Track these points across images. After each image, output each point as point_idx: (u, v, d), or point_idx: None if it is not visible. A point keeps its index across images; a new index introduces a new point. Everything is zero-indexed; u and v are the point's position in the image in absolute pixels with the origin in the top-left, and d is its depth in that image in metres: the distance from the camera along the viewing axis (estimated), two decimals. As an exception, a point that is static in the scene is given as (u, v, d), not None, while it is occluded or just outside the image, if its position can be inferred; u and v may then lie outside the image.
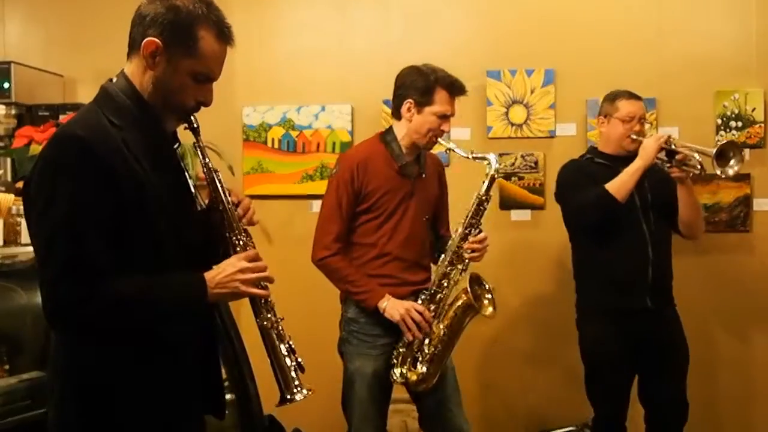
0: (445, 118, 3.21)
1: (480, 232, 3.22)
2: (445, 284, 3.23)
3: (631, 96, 3.62)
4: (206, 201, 2.24)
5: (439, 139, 3.24)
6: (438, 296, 3.22)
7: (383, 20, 4.57)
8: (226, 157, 4.34)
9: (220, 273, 2.01)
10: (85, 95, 4.66)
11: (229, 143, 4.49)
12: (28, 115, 4.42)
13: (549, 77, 4.40)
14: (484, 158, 3.26)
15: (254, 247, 2.15)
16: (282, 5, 4.67)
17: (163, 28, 1.94)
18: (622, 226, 3.48)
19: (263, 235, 4.58)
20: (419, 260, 3.33)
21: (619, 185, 3.41)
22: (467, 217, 3.22)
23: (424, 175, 3.35)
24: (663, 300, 3.58)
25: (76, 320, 1.87)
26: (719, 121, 4.29)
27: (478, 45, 4.46)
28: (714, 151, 3.32)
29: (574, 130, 4.41)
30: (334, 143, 4.56)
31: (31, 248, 3.22)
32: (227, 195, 2.15)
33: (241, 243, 2.13)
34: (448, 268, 3.22)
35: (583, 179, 3.58)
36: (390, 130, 3.34)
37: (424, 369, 3.19)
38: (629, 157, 3.51)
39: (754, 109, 4.27)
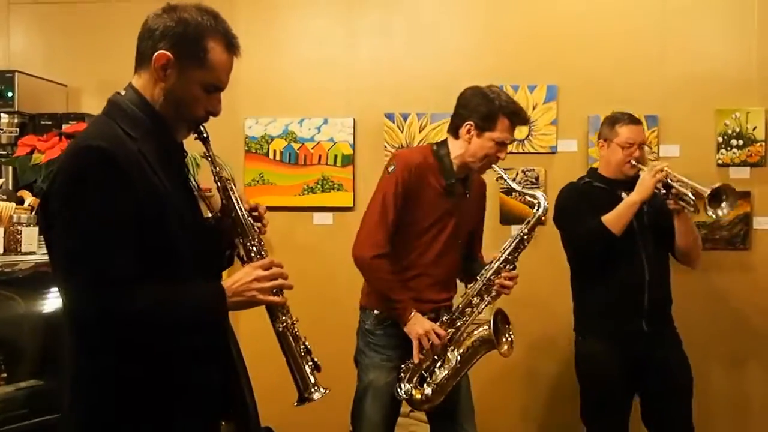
0: (503, 145, 3.15)
1: (514, 268, 3.19)
2: (468, 312, 3.18)
3: (631, 120, 3.60)
4: (209, 212, 2.25)
5: (494, 166, 3.19)
6: (458, 323, 3.19)
7: (386, 34, 4.59)
8: (227, 169, 4.34)
9: (237, 282, 2.02)
10: (89, 105, 4.68)
11: (231, 155, 4.49)
12: (31, 124, 4.42)
13: (551, 93, 4.41)
14: (534, 197, 3.23)
15: (268, 254, 2.17)
16: (286, 18, 4.69)
17: (174, 41, 1.97)
18: (620, 249, 3.47)
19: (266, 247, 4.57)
20: (445, 279, 3.28)
21: (616, 218, 3.41)
22: (504, 251, 3.18)
23: (468, 196, 3.30)
24: (660, 323, 3.57)
25: (105, 330, 1.87)
26: (720, 140, 4.30)
27: (481, 60, 4.47)
28: (708, 191, 3.34)
29: (575, 146, 4.42)
30: (335, 156, 4.57)
31: (30, 257, 3.25)
32: (240, 202, 2.17)
33: (255, 249, 2.15)
34: (475, 298, 3.18)
35: (581, 206, 3.58)
36: (444, 144, 3.26)
37: (429, 391, 3.16)
38: (628, 181, 3.53)
39: (755, 128, 4.28)
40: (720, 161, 4.30)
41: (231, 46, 2.06)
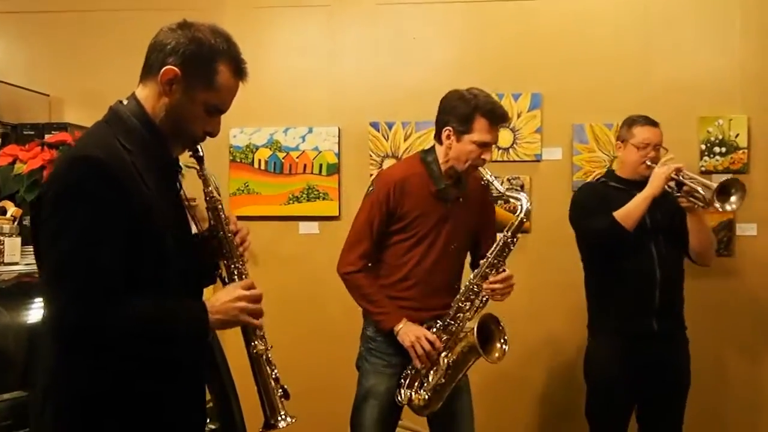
0: (485, 146, 3.12)
1: (504, 271, 3.13)
2: (460, 318, 3.16)
3: (648, 122, 3.62)
4: (195, 228, 2.24)
5: (479, 168, 3.15)
6: (452, 328, 3.17)
7: (371, 44, 4.59)
8: (212, 178, 4.33)
9: (220, 300, 2.03)
10: (71, 114, 4.65)
11: (215, 164, 4.44)
12: (13, 134, 4.38)
13: (536, 101, 4.42)
14: (517, 199, 3.18)
15: (249, 277, 2.17)
16: (270, 27, 4.68)
17: (185, 58, 1.97)
18: (632, 248, 3.49)
19: (249, 257, 4.55)
20: (445, 286, 3.27)
21: (627, 213, 3.43)
22: (490, 256, 3.14)
23: (461, 200, 3.27)
24: (672, 324, 3.60)
25: (88, 341, 1.85)
26: (703, 147, 4.33)
27: (466, 69, 4.48)
28: (716, 186, 3.35)
29: (560, 154, 4.43)
30: (321, 165, 4.57)
31: (15, 267, 3.22)
32: (227, 224, 2.17)
33: (236, 272, 2.16)
34: (465, 303, 3.16)
35: (595, 204, 3.60)
36: (432, 150, 3.26)
37: (426, 396, 3.16)
38: (644, 182, 3.53)
39: (737, 135, 4.31)
40: (703, 168, 4.32)
41: (240, 71, 2.09)
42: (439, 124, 3.21)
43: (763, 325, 4.33)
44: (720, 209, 3.42)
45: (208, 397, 3.18)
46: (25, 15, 4.84)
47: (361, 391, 3.29)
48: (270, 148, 4.61)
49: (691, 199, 3.45)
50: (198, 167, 2.15)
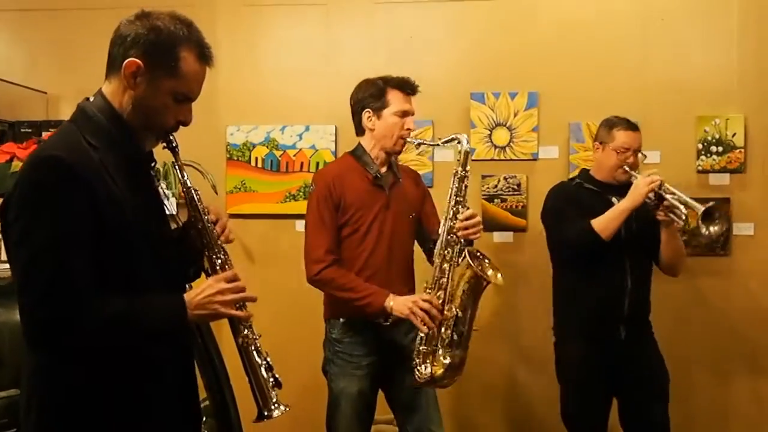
0: (405, 115, 3.26)
1: (467, 209, 3.15)
2: (447, 268, 3.13)
3: (629, 126, 3.60)
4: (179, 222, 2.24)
5: (407, 139, 3.27)
6: (442, 280, 3.14)
7: (368, 42, 4.59)
8: (209, 176, 4.34)
9: (199, 294, 2.01)
10: (69, 112, 4.46)
11: (212, 162, 4.48)
12: (10, 131, 4.39)
13: (532, 100, 4.42)
14: (453, 139, 3.24)
15: (232, 267, 2.15)
16: (267, 25, 4.68)
17: (145, 48, 1.94)
18: (605, 255, 3.47)
19: (246, 255, 4.57)
20: (403, 272, 3.33)
21: (605, 224, 3.41)
22: (451, 195, 3.16)
23: (400, 181, 3.36)
24: (638, 330, 3.59)
25: (58, 342, 1.84)
26: (700, 146, 4.33)
27: (463, 67, 4.49)
28: (702, 210, 3.33)
29: (556, 153, 4.43)
30: (317, 163, 4.56)
31: (8, 265, 3.21)
32: (205, 214, 2.15)
33: (219, 262, 2.14)
34: (446, 251, 3.14)
35: (569, 207, 3.58)
36: (358, 146, 3.36)
37: (448, 358, 3.11)
38: (619, 186, 3.53)
39: (734, 134, 4.31)
40: (700, 168, 4.33)
41: (204, 56, 2.03)
42: (358, 114, 3.34)
43: (760, 323, 4.33)
44: (702, 231, 3.38)
45: (204, 395, 3.21)
46: (23, 12, 4.83)
47: (332, 395, 3.30)
48: (267, 146, 4.61)
49: (670, 215, 3.43)
50: (173, 158, 2.13)
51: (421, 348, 3.14)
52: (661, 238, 3.54)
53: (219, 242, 2.16)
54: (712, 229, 3.40)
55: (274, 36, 4.67)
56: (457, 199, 3.16)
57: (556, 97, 4.42)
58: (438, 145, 3.35)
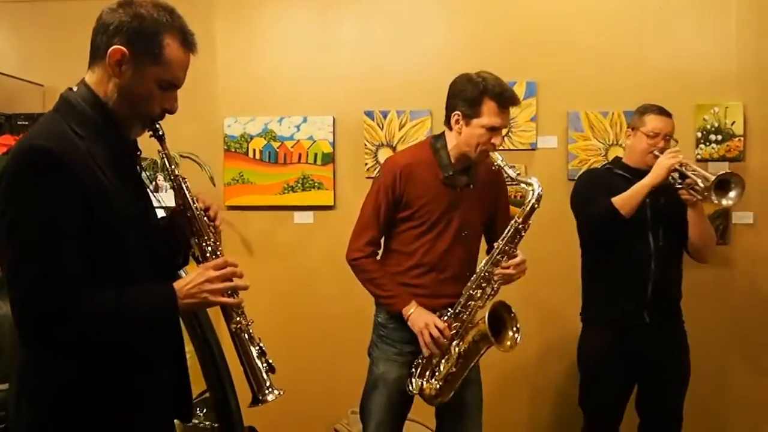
0: (494, 130, 3.08)
1: (515, 257, 3.07)
2: (471, 306, 3.12)
3: (661, 112, 3.57)
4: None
5: (491, 154, 3.10)
6: (462, 316, 3.13)
7: (365, 33, 4.57)
8: (207, 168, 4.33)
9: (189, 283, 2.00)
10: None
11: (210, 154, 4.47)
12: (7, 124, 4.38)
13: (531, 90, 4.41)
14: (528, 183, 3.09)
15: (223, 254, 2.14)
16: (265, 17, 4.66)
17: (129, 36, 1.94)
18: (629, 239, 3.47)
19: (244, 246, 4.57)
20: (458, 274, 3.21)
21: (625, 200, 3.39)
22: (501, 242, 3.08)
23: (471, 186, 3.23)
24: (665, 315, 3.57)
25: (51, 335, 1.83)
26: (699, 135, 4.32)
27: (461, 57, 4.46)
28: (713, 179, 3.31)
29: (555, 142, 4.42)
30: (315, 154, 4.55)
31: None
32: (194, 201, 2.15)
33: (210, 249, 2.13)
34: (476, 291, 3.11)
35: (595, 190, 3.56)
36: (441, 136, 3.23)
37: (438, 386, 3.13)
38: (650, 171, 3.50)
39: (733, 123, 4.30)
40: (699, 156, 4.32)
41: (187, 42, 2.02)
42: (448, 109, 3.18)
43: (759, 313, 4.33)
44: (716, 203, 3.36)
45: (203, 387, 3.22)
46: (20, 4, 4.82)
47: (371, 378, 3.28)
48: (265, 138, 4.60)
49: (691, 191, 3.41)
50: (159, 146, 2.12)
51: (420, 360, 3.16)
52: (689, 219, 3.53)
53: (209, 230, 2.15)
54: (724, 200, 3.36)
55: (271, 27, 4.65)
56: (505, 248, 3.07)
57: (555, 87, 4.41)
58: (513, 179, 3.14)
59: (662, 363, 3.56)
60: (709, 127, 4.32)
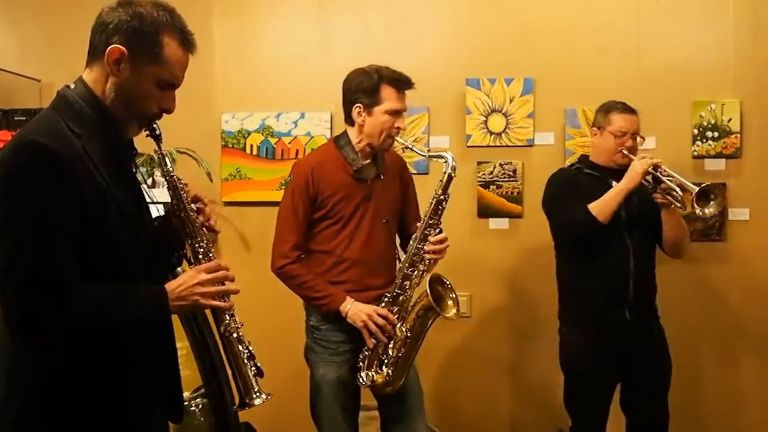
0: (396, 114, 3.19)
1: (440, 232, 3.18)
2: (407, 286, 3.18)
3: (625, 110, 3.59)
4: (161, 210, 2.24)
5: (397, 138, 3.21)
6: (401, 298, 3.19)
7: (363, 29, 4.57)
8: (204, 164, 4.33)
9: (181, 285, 2.01)
10: None
11: (207, 150, 4.47)
12: (4, 119, 4.37)
13: (528, 86, 4.41)
14: (440, 156, 3.21)
15: (215, 256, 2.15)
16: (262, 13, 4.65)
17: (128, 35, 1.94)
18: (606, 239, 3.47)
19: (241, 242, 4.56)
20: (382, 264, 3.29)
21: (602, 206, 3.40)
22: (425, 217, 3.18)
23: (382, 177, 3.31)
24: (645, 314, 3.59)
25: (41, 331, 1.83)
26: (695, 131, 4.33)
27: (458, 54, 4.47)
28: (696, 190, 3.33)
29: (552, 139, 4.42)
30: (313, 150, 4.55)
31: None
32: (188, 203, 2.15)
33: (201, 251, 2.14)
34: (410, 270, 3.18)
35: (569, 193, 3.57)
36: (344, 134, 3.32)
37: (390, 372, 3.17)
38: (619, 170, 3.52)
39: (730, 120, 4.30)
40: (696, 153, 4.32)
41: (186, 42, 2.03)
42: (348, 105, 3.26)
43: (755, 309, 4.34)
44: (698, 213, 3.40)
45: (198, 383, 3.22)
46: (16, -1, 4.82)
47: (313, 382, 3.31)
48: (262, 134, 4.60)
49: (667, 197, 3.42)
50: (156, 146, 2.13)
51: (366, 353, 3.19)
52: (662, 219, 3.53)
53: (202, 231, 2.15)
54: (707, 210, 3.40)
55: (269, 23, 4.65)
56: (430, 221, 3.17)
57: (552, 83, 4.41)
58: (425, 156, 3.31)
59: (646, 361, 3.58)
60: (705, 123, 4.32)
